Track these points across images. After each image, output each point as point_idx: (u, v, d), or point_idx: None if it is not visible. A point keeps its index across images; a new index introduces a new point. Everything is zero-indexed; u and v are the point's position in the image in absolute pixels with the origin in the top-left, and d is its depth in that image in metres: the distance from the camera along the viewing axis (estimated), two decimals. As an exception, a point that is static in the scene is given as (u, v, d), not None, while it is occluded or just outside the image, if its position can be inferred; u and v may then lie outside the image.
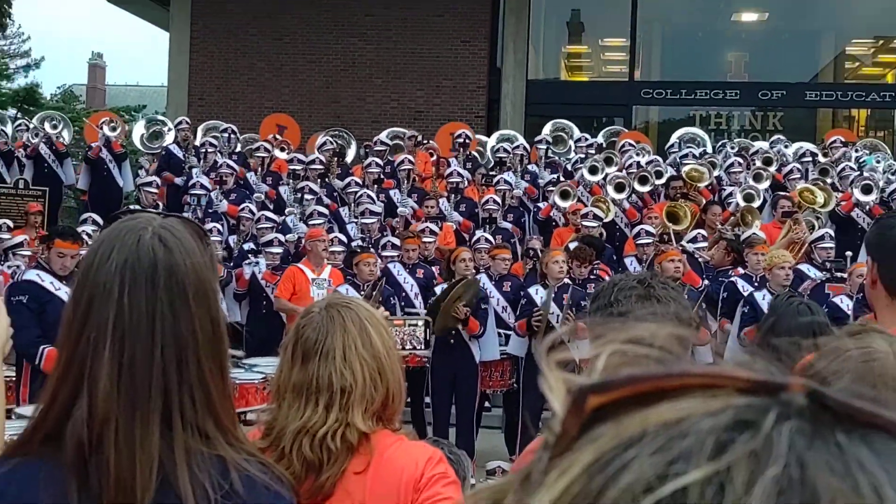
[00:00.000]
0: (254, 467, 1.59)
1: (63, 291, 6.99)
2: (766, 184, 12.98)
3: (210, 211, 12.34)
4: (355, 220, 12.12)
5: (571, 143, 15.42)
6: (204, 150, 14.04)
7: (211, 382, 1.59)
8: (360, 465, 2.17)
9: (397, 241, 10.47)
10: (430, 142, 15.39)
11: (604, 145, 15.28)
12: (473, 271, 9.48)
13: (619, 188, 12.48)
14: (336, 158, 14.60)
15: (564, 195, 12.29)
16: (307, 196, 12.53)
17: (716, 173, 13.55)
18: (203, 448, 1.56)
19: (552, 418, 0.47)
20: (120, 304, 1.55)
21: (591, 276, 9.44)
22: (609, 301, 2.24)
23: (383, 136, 15.45)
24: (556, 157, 14.96)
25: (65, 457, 1.53)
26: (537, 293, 8.98)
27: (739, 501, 0.40)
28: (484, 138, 16.20)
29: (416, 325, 8.49)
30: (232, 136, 15.22)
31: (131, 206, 11.94)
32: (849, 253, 10.15)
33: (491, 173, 13.75)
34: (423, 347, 8.44)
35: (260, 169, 13.89)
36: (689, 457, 0.42)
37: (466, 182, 13.35)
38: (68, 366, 1.57)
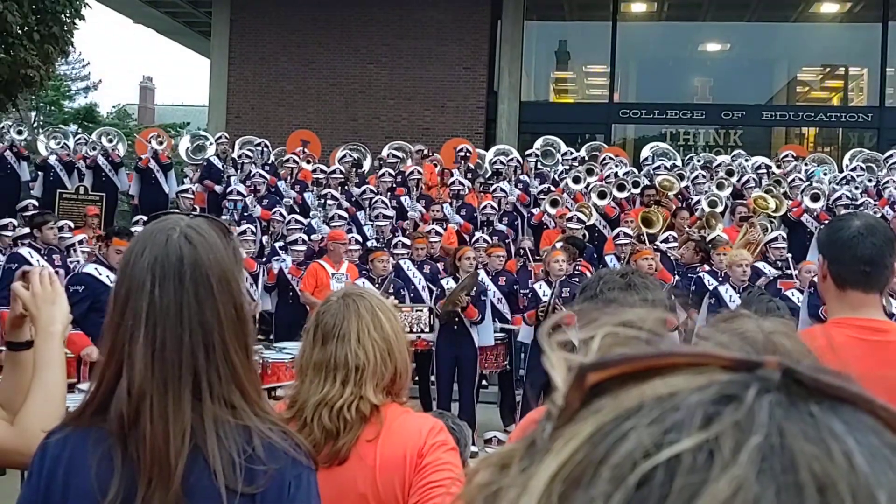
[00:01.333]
0: (276, 435, 1.59)
1: (118, 284, 7.00)
2: (727, 191, 12.98)
3: (245, 214, 12.35)
4: (371, 223, 12.13)
5: (559, 156, 15.42)
6: (241, 162, 14.06)
7: (236, 360, 1.59)
8: (372, 434, 2.17)
9: (407, 241, 10.48)
10: (436, 155, 15.39)
11: (586, 158, 15.28)
12: (482, 266, 9.54)
13: (602, 195, 12.49)
14: (354, 169, 14.61)
15: (554, 203, 12.32)
16: (329, 201, 12.56)
17: (684, 183, 13.55)
18: (230, 418, 1.57)
19: (555, 393, 0.46)
20: (152, 295, 1.57)
21: (575, 272, 9.44)
22: (595, 292, 2.23)
23: (390, 149, 15.39)
24: (545, 169, 14.96)
25: (110, 427, 1.55)
26: (541, 288, 8.99)
27: (727, 466, 0.40)
28: (482, 152, 16.20)
29: (421, 311, 8.58)
30: (265, 149, 15.24)
31: (170, 210, 11.93)
32: (789, 255, 10.19)
33: (488, 182, 13.78)
34: (427, 331, 8.50)
35: (289, 178, 13.90)
36: (682, 427, 0.41)
37: (467, 190, 13.36)
38: (112, 350, 1.59)
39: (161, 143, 14.54)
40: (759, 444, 0.40)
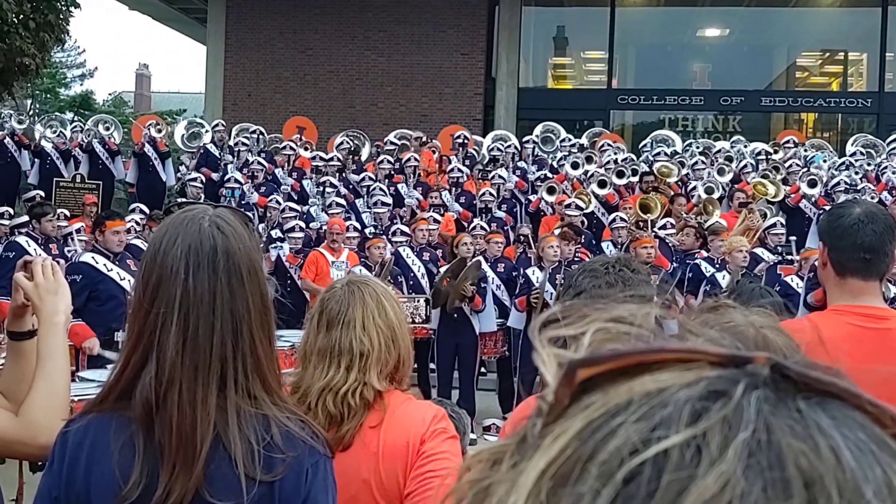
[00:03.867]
0: (294, 424, 1.61)
1: (115, 272, 7.00)
2: (727, 177, 12.98)
3: (242, 202, 12.31)
4: (369, 210, 12.12)
5: (557, 142, 15.40)
6: (237, 149, 14.03)
7: (261, 350, 1.61)
8: (375, 420, 2.18)
9: (406, 228, 10.47)
10: (434, 141, 15.36)
11: (586, 145, 15.25)
12: (480, 254, 9.51)
13: (602, 185, 12.47)
14: (352, 156, 14.59)
15: (551, 191, 12.30)
16: (327, 189, 12.53)
17: (683, 170, 13.53)
18: (250, 407, 1.58)
19: (545, 389, 0.46)
20: (185, 284, 1.58)
21: (575, 259, 9.44)
22: (570, 283, 2.21)
23: (392, 136, 15.43)
24: (544, 155, 14.94)
25: (133, 413, 1.56)
26: (534, 274, 8.99)
27: (715, 463, 0.40)
28: (480, 139, 16.17)
29: (418, 301, 8.59)
30: (261, 136, 15.19)
31: (178, 200, 11.93)
32: (793, 238, 10.18)
33: (486, 169, 13.75)
34: (423, 321, 8.51)
35: (286, 165, 13.87)
36: (670, 423, 0.42)
37: (465, 177, 13.33)
38: (139, 337, 1.60)
39: (160, 131, 14.50)
40: (747, 440, 0.40)
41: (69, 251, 9.44)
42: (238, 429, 1.55)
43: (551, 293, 8.63)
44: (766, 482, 0.39)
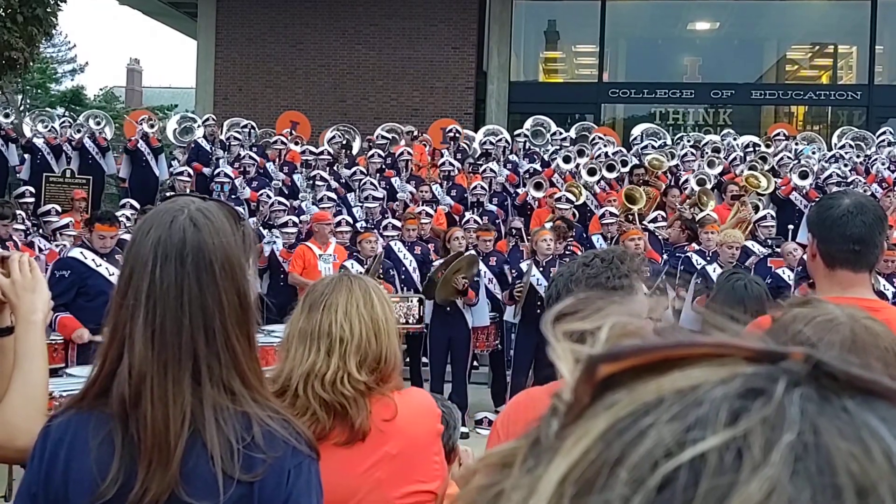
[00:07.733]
0: (276, 423, 1.56)
1: (103, 267, 6.95)
2: (718, 169, 12.98)
3: (233, 197, 12.25)
4: (360, 204, 12.07)
5: (548, 136, 15.38)
6: (228, 144, 13.97)
7: (238, 346, 1.57)
8: (388, 414, 2.13)
9: (397, 223, 10.44)
10: (425, 135, 15.32)
11: (575, 138, 15.22)
12: (472, 248, 9.48)
13: (591, 172, 12.45)
14: (343, 150, 14.53)
15: (538, 186, 12.28)
16: (318, 183, 12.48)
17: (673, 162, 13.53)
18: (229, 404, 1.54)
19: (562, 386, 0.42)
20: (153, 276, 1.54)
21: (566, 252, 9.42)
22: (573, 277, 2.14)
23: (382, 130, 15.36)
24: (536, 149, 14.92)
25: (111, 409, 1.53)
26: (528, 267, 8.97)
27: (758, 467, 0.36)
28: (472, 132, 16.12)
29: (411, 302, 8.55)
30: (252, 131, 15.12)
31: (167, 194, 11.85)
32: (790, 227, 10.15)
33: (478, 163, 13.71)
34: (416, 322, 8.47)
35: (277, 159, 13.82)
36: (706, 424, 0.38)
37: (457, 170, 13.30)
38: (115, 330, 1.57)
39: (152, 127, 14.42)
40: (792, 443, 0.36)
41: (57, 245, 9.37)
42: (216, 426, 1.51)
43: (545, 286, 8.59)
44: (816, 489, 0.35)
